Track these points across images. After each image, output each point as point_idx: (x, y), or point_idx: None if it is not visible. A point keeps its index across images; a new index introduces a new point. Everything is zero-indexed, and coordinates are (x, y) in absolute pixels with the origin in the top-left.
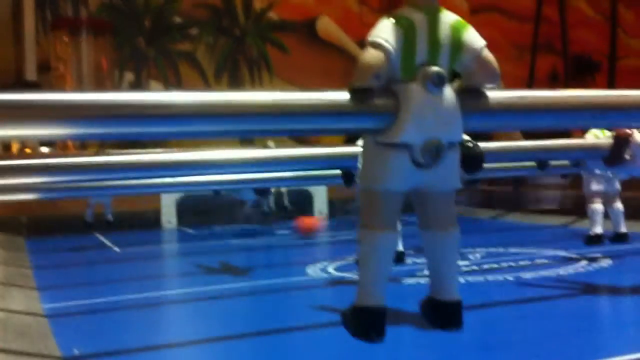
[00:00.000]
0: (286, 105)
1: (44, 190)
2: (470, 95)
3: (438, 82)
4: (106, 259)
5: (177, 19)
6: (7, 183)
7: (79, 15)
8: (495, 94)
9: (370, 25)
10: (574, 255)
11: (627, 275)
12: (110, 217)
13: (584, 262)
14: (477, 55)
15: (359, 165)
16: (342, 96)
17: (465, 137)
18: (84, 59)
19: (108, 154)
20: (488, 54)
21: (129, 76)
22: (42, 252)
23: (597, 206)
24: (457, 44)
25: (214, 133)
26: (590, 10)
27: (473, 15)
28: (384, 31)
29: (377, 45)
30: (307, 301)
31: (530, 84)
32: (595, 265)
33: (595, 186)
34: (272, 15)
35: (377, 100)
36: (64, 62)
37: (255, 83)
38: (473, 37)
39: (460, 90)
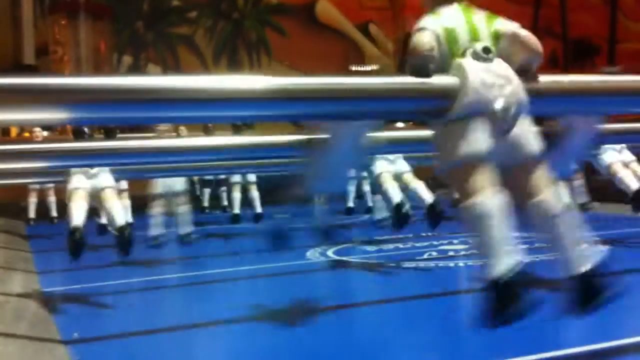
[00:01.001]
0: (347, 89)
1: (44, 175)
2: (521, 79)
3: (487, 51)
4: (106, 243)
5: (176, 3)
6: (6, 167)
7: None
8: (547, 78)
9: (369, 8)
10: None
11: (626, 259)
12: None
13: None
14: (514, 34)
15: (438, 149)
16: (404, 79)
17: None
18: (82, 43)
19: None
20: (525, 32)
21: (127, 60)
22: (42, 236)
23: None
24: (494, 32)
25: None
26: None
27: None
28: (427, 20)
29: (424, 29)
30: (307, 284)
31: None
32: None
33: None
34: None
35: (436, 80)
36: (62, 45)
37: (254, 67)
38: (506, 22)
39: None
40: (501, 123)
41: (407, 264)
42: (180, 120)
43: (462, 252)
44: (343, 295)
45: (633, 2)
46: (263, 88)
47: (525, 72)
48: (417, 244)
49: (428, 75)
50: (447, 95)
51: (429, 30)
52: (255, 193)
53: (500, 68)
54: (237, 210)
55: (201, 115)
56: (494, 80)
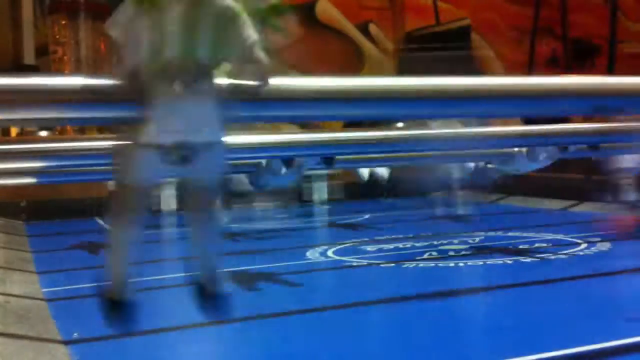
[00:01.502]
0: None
1: (43, 174)
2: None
3: (193, 77)
4: (105, 243)
5: None
6: (6, 167)
7: None
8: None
9: (369, 8)
10: (573, 239)
11: (626, 258)
12: None
13: (583, 246)
14: (246, 46)
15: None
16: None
17: None
18: (82, 43)
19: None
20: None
21: None
22: (42, 236)
23: None
24: (222, 33)
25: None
26: None
27: None
28: (121, 15)
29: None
30: (307, 284)
31: (530, 68)
32: (594, 249)
33: None
34: None
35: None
36: (62, 45)
37: None
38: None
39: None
40: (175, 160)
41: (407, 264)
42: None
43: (462, 252)
44: (343, 295)
45: (633, 2)
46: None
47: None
48: (417, 244)
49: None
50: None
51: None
52: None
53: (202, 96)
54: None
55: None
56: (184, 117)
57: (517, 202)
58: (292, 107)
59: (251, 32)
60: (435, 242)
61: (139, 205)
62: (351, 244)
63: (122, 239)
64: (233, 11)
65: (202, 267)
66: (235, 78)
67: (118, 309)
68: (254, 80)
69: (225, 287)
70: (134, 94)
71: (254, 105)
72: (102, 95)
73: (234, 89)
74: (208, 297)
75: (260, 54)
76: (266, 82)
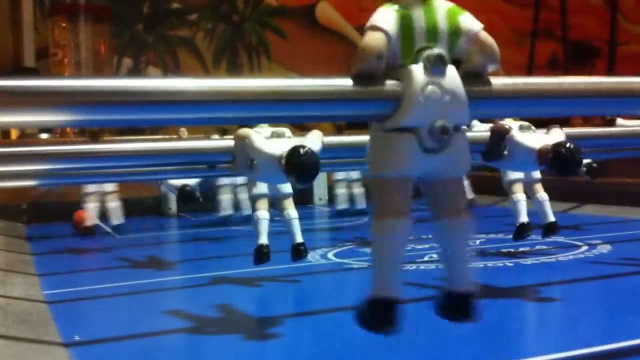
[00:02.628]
0: (290, 92)
1: (44, 177)
2: (472, 81)
3: (440, 63)
4: (106, 246)
5: (176, 5)
6: (7, 170)
7: (77, 1)
8: (498, 80)
9: (369, 10)
10: (574, 242)
11: (626, 261)
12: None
13: (584, 249)
14: (474, 36)
15: (367, 153)
16: (346, 82)
17: (302, 143)
18: (82, 45)
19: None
20: (486, 35)
21: (127, 62)
22: (43, 238)
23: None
24: (454, 28)
25: (213, 120)
26: None
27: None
28: (382, 17)
29: (375, 29)
30: (307, 286)
31: (530, 70)
32: (595, 251)
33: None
34: (271, 0)
35: (380, 85)
36: (62, 48)
37: (254, 69)
38: (470, 20)
39: (462, 77)
40: (435, 142)
41: (407, 266)
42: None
43: None
44: (344, 298)
45: (633, 4)
46: (263, 90)
47: (478, 74)
48: (418, 246)
49: (373, 81)
50: (389, 103)
51: (381, 29)
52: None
53: (450, 80)
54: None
55: (201, 117)
56: (440, 97)
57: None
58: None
59: (476, 22)
60: (436, 245)
61: (402, 198)
62: (352, 246)
63: (390, 236)
64: (457, 6)
65: (453, 269)
66: (468, 68)
67: (386, 309)
68: (486, 64)
69: (475, 289)
70: (380, 89)
71: None
72: (345, 95)
73: (467, 75)
74: (459, 301)
75: (488, 37)
76: (497, 64)
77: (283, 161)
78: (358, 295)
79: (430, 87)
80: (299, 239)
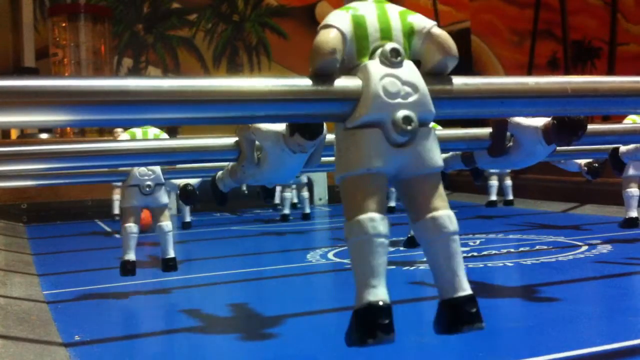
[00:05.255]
0: (248, 92)
1: (44, 177)
2: (432, 80)
3: (395, 55)
4: (107, 246)
5: (176, 5)
6: (7, 169)
7: (77, 2)
8: (459, 79)
9: None
10: (574, 242)
11: (626, 261)
12: None
13: (584, 249)
14: (427, 33)
15: (335, 156)
16: (303, 82)
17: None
18: (82, 45)
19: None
20: (439, 30)
21: (127, 62)
22: (43, 238)
23: (634, 190)
24: (408, 29)
25: (213, 120)
26: None
27: (473, 1)
28: (334, 17)
29: (328, 26)
30: (307, 287)
31: (530, 70)
32: (595, 251)
33: (632, 171)
34: (271, 0)
35: (337, 82)
36: (62, 48)
37: (254, 69)
38: (421, 19)
39: (423, 76)
40: (401, 135)
41: (407, 267)
42: (179, 122)
43: (463, 255)
44: (343, 298)
45: (633, 4)
46: (263, 90)
47: (439, 74)
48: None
49: (330, 79)
50: (347, 100)
51: (333, 26)
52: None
53: (409, 73)
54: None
55: (201, 117)
56: (399, 89)
57: (517, 204)
58: None
59: (428, 20)
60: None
61: (377, 194)
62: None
63: (366, 234)
64: (407, 10)
65: (443, 274)
66: (426, 67)
67: (376, 316)
68: (444, 60)
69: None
70: (338, 86)
71: None
72: (304, 95)
73: (428, 74)
74: (457, 307)
75: (442, 31)
76: (456, 58)
77: (286, 131)
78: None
79: (388, 79)
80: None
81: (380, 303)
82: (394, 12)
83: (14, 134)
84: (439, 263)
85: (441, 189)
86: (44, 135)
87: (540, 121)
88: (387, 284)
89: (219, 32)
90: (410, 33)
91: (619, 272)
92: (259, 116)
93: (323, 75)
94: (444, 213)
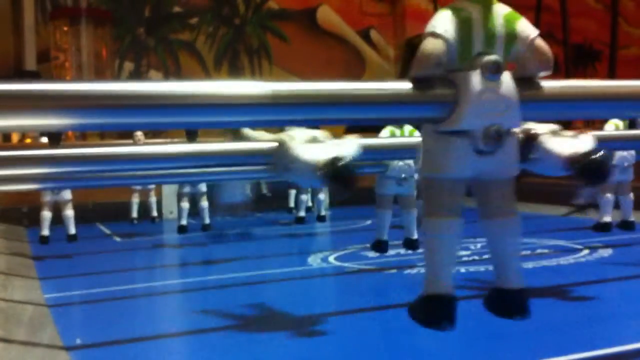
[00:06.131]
0: (345, 95)
1: (45, 180)
2: (525, 85)
3: (496, 69)
4: (107, 249)
5: (177, 9)
6: (8, 173)
7: (79, 5)
8: (549, 84)
9: (370, 14)
10: (574, 245)
11: (627, 264)
12: None
13: (584, 252)
14: (530, 42)
15: (421, 154)
16: (403, 85)
17: (338, 148)
18: (83, 49)
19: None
20: (541, 41)
21: (128, 66)
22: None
23: (609, 196)
24: (511, 34)
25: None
26: None
27: None
28: (442, 22)
29: (436, 35)
30: (308, 290)
31: None
32: (596, 255)
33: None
34: (272, 4)
35: (437, 89)
36: (63, 51)
37: (255, 72)
38: (526, 27)
39: (515, 80)
40: (488, 145)
41: (408, 270)
42: (180, 126)
43: (464, 259)
44: (345, 302)
45: (634, 7)
46: (264, 94)
47: (530, 78)
48: (419, 250)
49: (429, 87)
50: (445, 106)
51: (441, 36)
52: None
53: (505, 87)
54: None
55: (202, 121)
56: (494, 104)
57: (518, 207)
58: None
59: (532, 29)
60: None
61: (454, 199)
62: (352, 250)
63: (441, 234)
64: (514, 12)
65: (503, 267)
66: (521, 73)
67: (442, 305)
68: (540, 70)
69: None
70: (437, 93)
71: None
72: (404, 98)
73: (521, 78)
74: (510, 297)
75: (544, 44)
76: (551, 70)
77: (320, 172)
78: (359, 299)
79: (486, 94)
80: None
81: (446, 295)
82: (500, 15)
83: (15, 138)
84: (503, 259)
85: (512, 193)
86: (44, 139)
87: (567, 149)
88: (388, 285)
89: (220, 36)
90: (512, 37)
91: (620, 275)
92: (360, 118)
93: (423, 81)
94: (515, 219)
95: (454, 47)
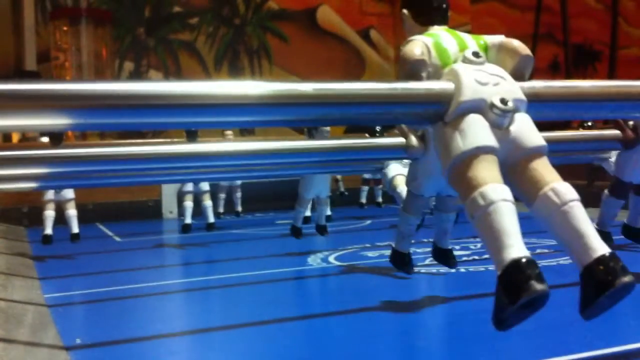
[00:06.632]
0: (346, 95)
1: (45, 179)
2: (522, 88)
3: (477, 55)
4: (107, 249)
5: (177, 9)
6: (8, 173)
7: (79, 5)
8: (549, 84)
9: (370, 14)
10: None
11: (628, 265)
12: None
13: None
14: (500, 43)
15: (438, 151)
16: (403, 85)
17: None
18: (83, 49)
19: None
20: (508, 38)
21: (128, 66)
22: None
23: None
24: (482, 45)
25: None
26: None
27: (474, 4)
28: (416, 37)
29: (410, 40)
30: (307, 290)
31: (531, 74)
32: None
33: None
34: (272, 4)
35: (432, 84)
36: (63, 51)
37: (255, 72)
38: (491, 36)
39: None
40: (499, 118)
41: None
42: (180, 126)
43: (464, 258)
44: (345, 301)
45: (634, 8)
46: (264, 94)
47: (523, 81)
48: (419, 250)
49: (424, 82)
50: (443, 99)
51: (418, 40)
52: (208, 202)
53: (493, 68)
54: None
55: (202, 121)
56: (488, 79)
57: (518, 207)
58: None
59: (497, 35)
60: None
61: (495, 167)
62: (352, 250)
63: (492, 203)
64: (475, 35)
65: (576, 243)
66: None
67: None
68: (522, 64)
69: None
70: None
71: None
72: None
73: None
74: (602, 266)
75: (514, 39)
76: (532, 59)
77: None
78: (359, 299)
79: (476, 72)
80: None
81: (524, 259)
82: (465, 35)
83: (15, 138)
84: (570, 231)
85: (547, 165)
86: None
87: None
88: (388, 285)
89: (220, 36)
90: (484, 48)
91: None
92: (362, 118)
93: (414, 76)
94: (561, 184)
95: (433, 55)
